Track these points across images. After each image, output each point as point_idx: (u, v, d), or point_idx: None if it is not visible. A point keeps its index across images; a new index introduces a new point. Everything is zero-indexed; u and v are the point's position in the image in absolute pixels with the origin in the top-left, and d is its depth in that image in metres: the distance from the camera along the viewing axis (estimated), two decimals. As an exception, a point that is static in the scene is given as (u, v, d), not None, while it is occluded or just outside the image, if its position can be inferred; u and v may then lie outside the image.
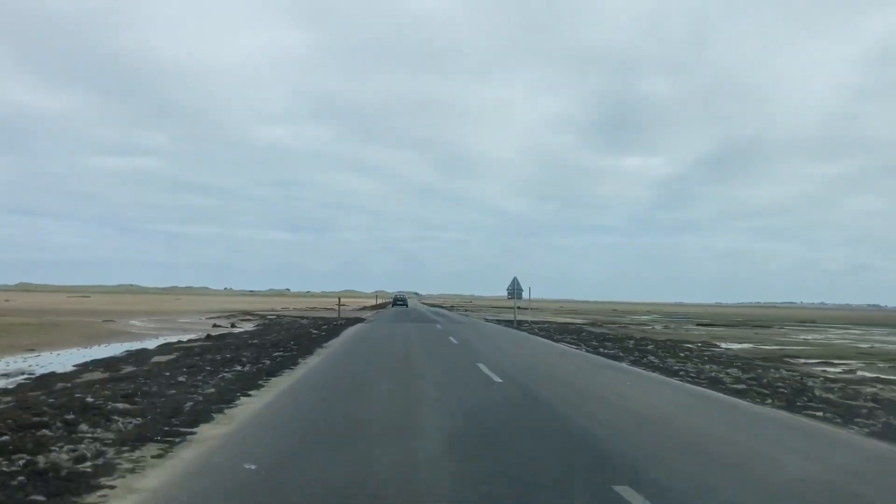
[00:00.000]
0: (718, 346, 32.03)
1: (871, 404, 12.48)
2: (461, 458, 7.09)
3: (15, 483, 5.81)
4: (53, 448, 6.97)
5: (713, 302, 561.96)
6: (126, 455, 6.97)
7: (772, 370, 19.11)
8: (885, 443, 8.92)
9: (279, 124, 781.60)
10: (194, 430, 8.32)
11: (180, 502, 5.54)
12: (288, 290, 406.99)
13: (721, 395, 13.51)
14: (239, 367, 15.37)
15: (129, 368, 16.31)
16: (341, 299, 70.95)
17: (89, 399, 10.05)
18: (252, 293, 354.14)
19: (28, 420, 8.14)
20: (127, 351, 22.60)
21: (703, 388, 14.44)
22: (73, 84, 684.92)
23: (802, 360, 25.32)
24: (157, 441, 7.62)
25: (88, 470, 6.35)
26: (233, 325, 42.55)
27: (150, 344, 26.02)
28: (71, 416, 8.55)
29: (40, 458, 6.55)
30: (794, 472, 7.05)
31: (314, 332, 31.43)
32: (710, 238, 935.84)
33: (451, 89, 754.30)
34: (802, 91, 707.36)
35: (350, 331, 32.17)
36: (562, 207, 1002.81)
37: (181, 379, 12.89)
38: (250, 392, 11.69)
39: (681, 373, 17.55)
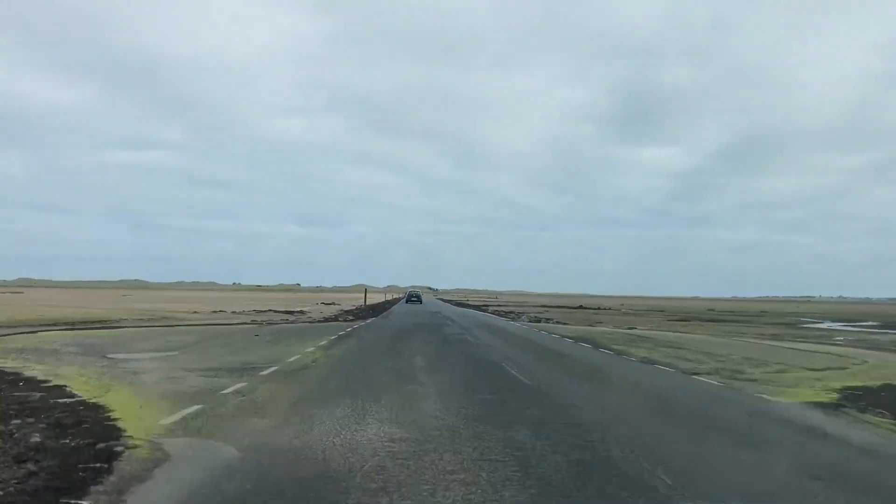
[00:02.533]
0: None
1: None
2: None
3: None
4: None
5: (729, 296, 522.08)
6: None
7: None
8: None
9: (292, 117, 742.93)
10: None
11: None
12: (298, 285, 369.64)
13: None
14: None
15: None
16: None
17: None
18: (260, 288, 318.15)
19: None
20: None
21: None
22: (86, 78, 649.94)
23: None
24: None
25: None
26: None
27: None
28: None
29: None
30: None
31: None
32: (726, 230, 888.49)
33: (468, 79, 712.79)
34: (826, 79, 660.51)
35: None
36: (577, 200, 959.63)
37: None
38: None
39: None
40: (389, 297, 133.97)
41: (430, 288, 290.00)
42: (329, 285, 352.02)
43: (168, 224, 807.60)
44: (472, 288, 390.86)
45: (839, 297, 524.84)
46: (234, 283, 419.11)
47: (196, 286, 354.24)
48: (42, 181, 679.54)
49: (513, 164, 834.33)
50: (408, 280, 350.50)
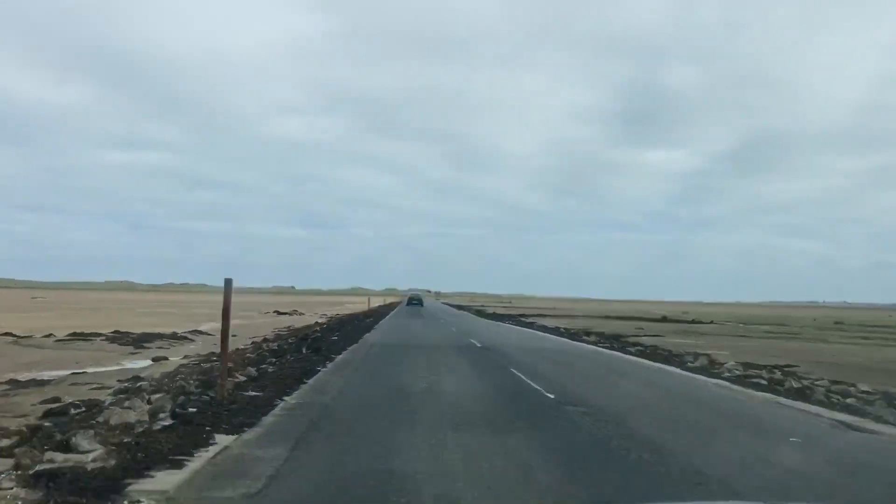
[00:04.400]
0: None
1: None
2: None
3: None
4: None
5: (732, 301, 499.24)
6: None
7: None
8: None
9: (291, 117, 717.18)
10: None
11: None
12: (293, 287, 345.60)
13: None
14: None
15: None
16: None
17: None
18: (251, 290, 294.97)
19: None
20: None
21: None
22: (78, 76, 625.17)
23: None
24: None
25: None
26: None
27: None
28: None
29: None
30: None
31: None
32: (730, 235, 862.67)
33: (471, 80, 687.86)
34: (833, 81, 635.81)
35: None
36: (581, 202, 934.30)
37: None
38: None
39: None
40: (384, 301, 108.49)
41: (428, 291, 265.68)
42: (325, 288, 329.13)
43: (161, 225, 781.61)
44: (473, 291, 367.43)
45: (842, 302, 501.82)
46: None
47: (185, 288, 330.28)
48: (32, 181, 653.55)
49: (516, 167, 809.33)
50: (407, 283, 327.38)
